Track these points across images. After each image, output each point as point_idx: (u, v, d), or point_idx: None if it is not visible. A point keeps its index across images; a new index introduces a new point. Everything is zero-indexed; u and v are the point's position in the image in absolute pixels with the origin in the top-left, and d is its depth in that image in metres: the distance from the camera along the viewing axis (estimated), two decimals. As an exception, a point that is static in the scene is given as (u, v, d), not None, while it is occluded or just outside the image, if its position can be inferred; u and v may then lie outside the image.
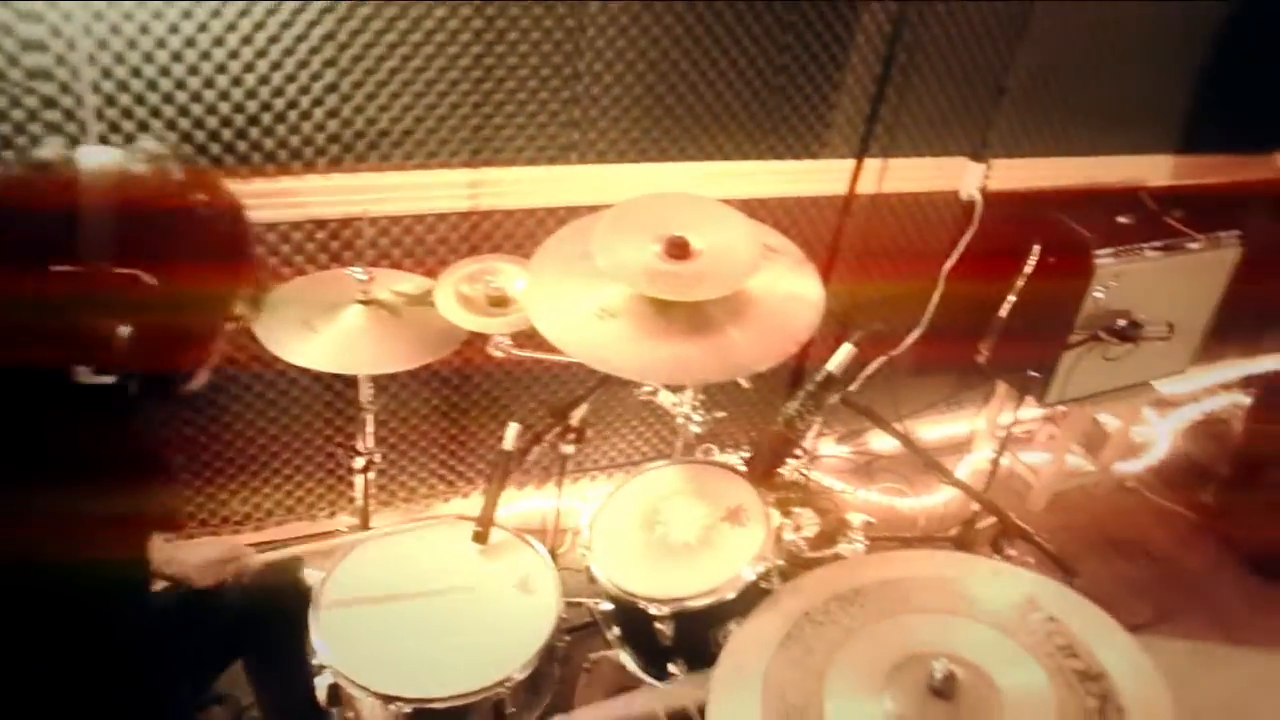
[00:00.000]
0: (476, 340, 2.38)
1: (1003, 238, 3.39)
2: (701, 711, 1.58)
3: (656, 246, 2.03)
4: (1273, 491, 3.55)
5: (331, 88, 2.46)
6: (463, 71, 2.57)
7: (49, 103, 2.22)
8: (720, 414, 2.52)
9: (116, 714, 1.69)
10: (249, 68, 2.36)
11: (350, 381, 2.54)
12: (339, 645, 1.92)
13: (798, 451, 2.32)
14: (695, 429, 2.49)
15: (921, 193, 3.41)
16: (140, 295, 1.46)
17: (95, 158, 1.48)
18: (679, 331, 2.01)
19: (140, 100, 2.29)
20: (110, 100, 2.27)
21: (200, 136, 2.39)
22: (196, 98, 2.34)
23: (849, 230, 3.28)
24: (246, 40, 2.33)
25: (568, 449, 2.49)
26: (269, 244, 2.59)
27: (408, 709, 1.85)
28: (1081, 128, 3.53)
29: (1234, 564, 3.59)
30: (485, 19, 2.51)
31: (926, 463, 2.21)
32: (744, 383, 2.28)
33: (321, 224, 2.62)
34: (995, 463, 3.26)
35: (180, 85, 2.31)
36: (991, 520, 2.20)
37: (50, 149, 1.47)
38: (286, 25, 2.34)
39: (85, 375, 1.47)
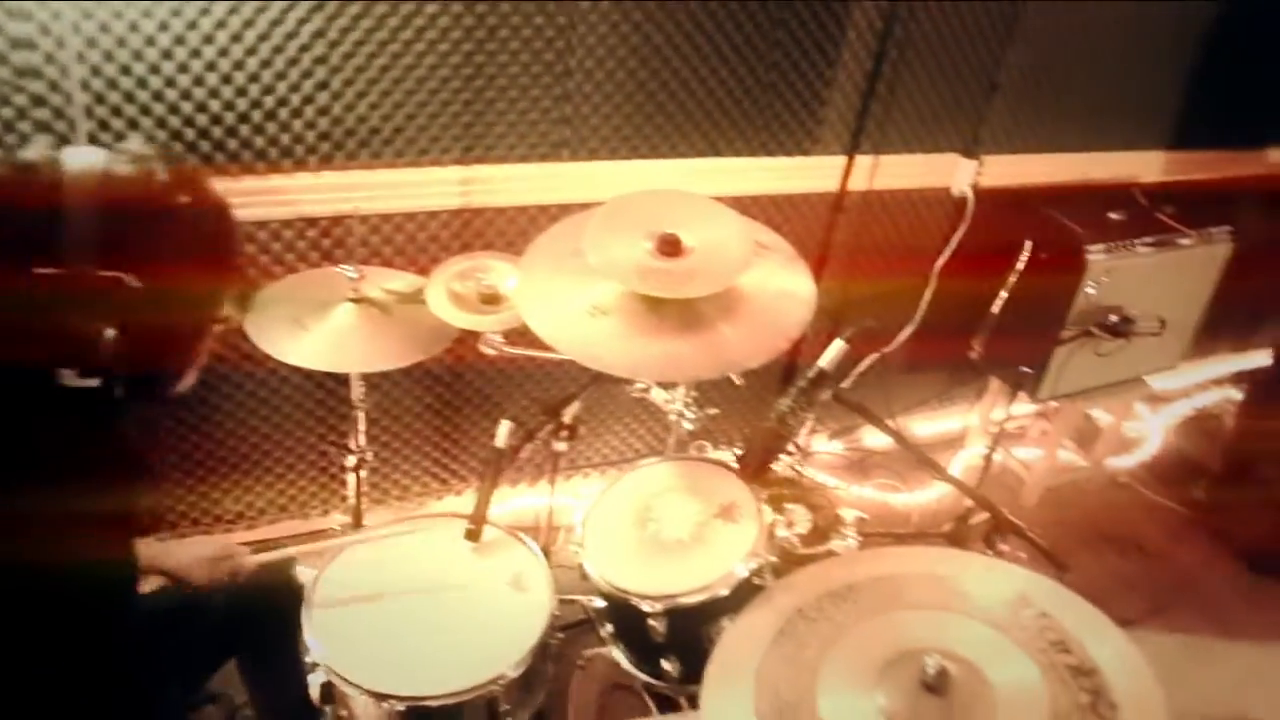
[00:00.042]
0: (468, 338, 2.38)
1: (995, 234, 3.40)
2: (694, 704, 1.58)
3: (648, 244, 2.03)
4: (1264, 486, 3.56)
5: (322, 85, 2.46)
6: (454, 68, 2.56)
7: (38, 100, 2.21)
8: (713, 411, 2.52)
9: (107, 713, 1.69)
10: (239, 65, 2.35)
11: (342, 380, 2.54)
12: (332, 643, 1.92)
13: (790, 448, 2.32)
14: (688, 426, 2.49)
15: (914, 189, 3.41)
16: (124, 297, 1.45)
17: (80, 158, 1.48)
18: (671, 328, 2.01)
19: (130, 98, 2.28)
20: (99, 98, 2.26)
21: (190, 134, 2.38)
22: (186, 95, 2.34)
23: (841, 227, 3.28)
24: (236, 37, 2.32)
25: (560, 446, 2.49)
26: (260, 242, 2.58)
27: (401, 707, 1.85)
28: (1073, 124, 3.53)
29: (1226, 559, 3.59)
30: (476, 16, 2.51)
31: (919, 459, 2.20)
32: (736, 379, 2.28)
33: (312, 222, 2.61)
34: (988, 458, 3.26)
35: (170, 82, 2.31)
36: (984, 516, 2.20)
37: (34, 149, 1.46)
38: (276, 22, 2.34)
39: (69, 378, 1.47)
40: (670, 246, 2.02)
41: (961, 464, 3.84)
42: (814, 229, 3.26)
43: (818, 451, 3.72)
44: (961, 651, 1.48)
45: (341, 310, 2.30)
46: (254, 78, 2.38)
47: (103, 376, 1.50)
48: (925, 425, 3.98)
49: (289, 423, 2.89)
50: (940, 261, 3.44)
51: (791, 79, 2.99)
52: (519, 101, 2.68)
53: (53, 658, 1.53)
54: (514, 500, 3.23)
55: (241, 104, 2.40)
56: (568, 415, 2.41)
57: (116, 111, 2.29)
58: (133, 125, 2.31)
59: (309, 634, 1.93)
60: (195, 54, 2.30)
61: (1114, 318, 3.24)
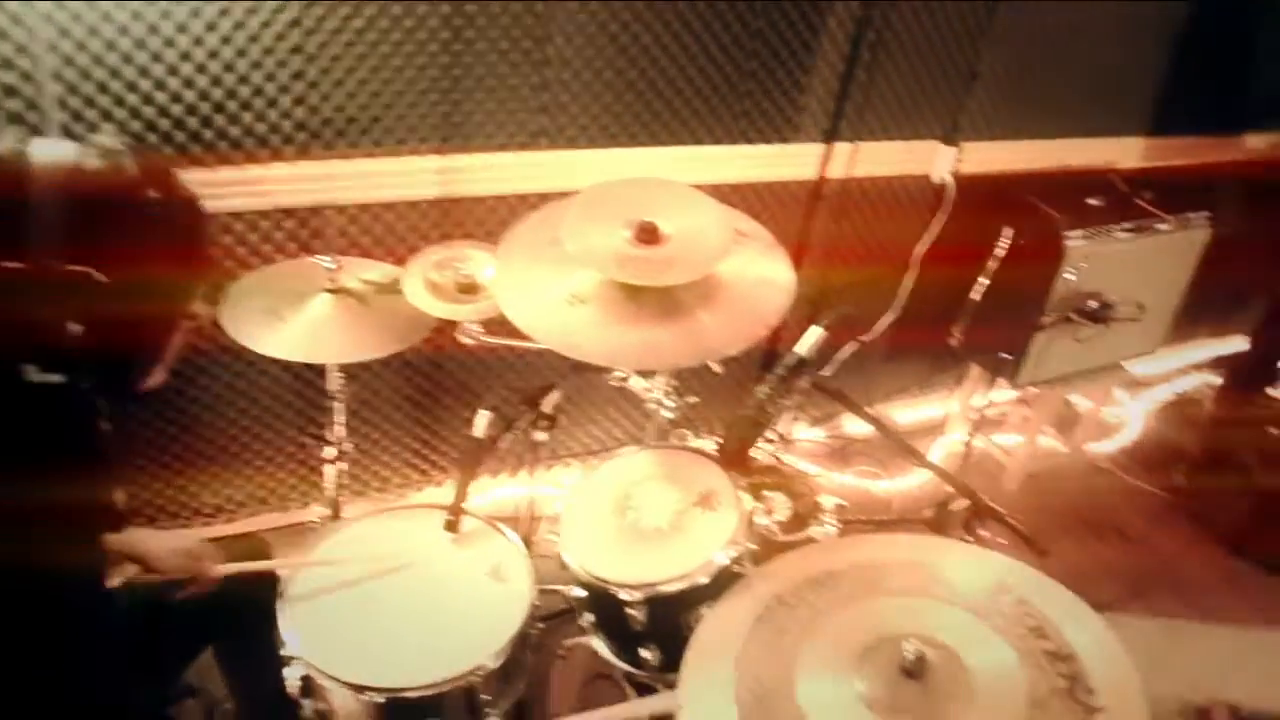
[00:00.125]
0: (447, 328, 2.37)
1: (974, 221, 3.40)
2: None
3: (626, 232, 2.02)
4: (1243, 471, 3.58)
5: (298, 74, 2.44)
6: (431, 56, 2.55)
7: (10, 91, 2.19)
8: (692, 399, 2.51)
9: (80, 703, 1.68)
10: (214, 54, 2.33)
11: (320, 371, 2.52)
12: (310, 636, 1.91)
13: (770, 435, 2.32)
14: (667, 414, 2.49)
15: (894, 176, 3.41)
16: (92, 291, 1.44)
17: (48, 151, 1.47)
18: (649, 316, 2.00)
19: (103, 88, 2.27)
20: (72, 88, 2.24)
21: (165, 124, 2.36)
22: (161, 85, 2.32)
23: (821, 214, 3.28)
24: (211, 26, 2.30)
25: (540, 436, 2.48)
26: (236, 233, 2.57)
27: (380, 699, 1.84)
28: (1052, 110, 3.54)
29: (1206, 543, 3.62)
30: (453, 3, 2.50)
31: (898, 445, 2.21)
32: (716, 367, 2.28)
33: (289, 212, 2.60)
34: (968, 445, 3.27)
35: (144, 72, 2.29)
36: (965, 502, 2.20)
37: (3, 142, 1.45)
38: (251, 11, 2.32)
39: (34, 373, 1.46)
40: (648, 234, 2.01)
41: (942, 450, 3.84)
42: (794, 217, 3.26)
43: (799, 439, 3.72)
44: (940, 637, 1.48)
45: (318, 301, 2.28)
46: (229, 67, 2.36)
47: (68, 372, 1.49)
48: (906, 412, 3.99)
49: (267, 415, 2.88)
50: (920, 248, 3.44)
51: (771, 66, 2.98)
52: (497, 90, 2.67)
53: (21, 651, 1.52)
54: (494, 490, 3.22)
55: (216, 94, 2.38)
56: (547, 405, 2.39)
57: (90, 102, 2.27)
58: (106, 116, 2.29)
59: (286, 626, 1.92)
60: (169, 43, 2.28)
61: (1093, 303, 3.25)
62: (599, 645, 2.13)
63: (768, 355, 3.08)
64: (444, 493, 3.17)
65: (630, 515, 2.12)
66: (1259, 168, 3.91)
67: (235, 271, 2.49)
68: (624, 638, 2.06)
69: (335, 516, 2.59)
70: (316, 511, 2.89)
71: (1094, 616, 1.54)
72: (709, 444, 2.39)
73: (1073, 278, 3.22)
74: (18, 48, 2.16)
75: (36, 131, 2.23)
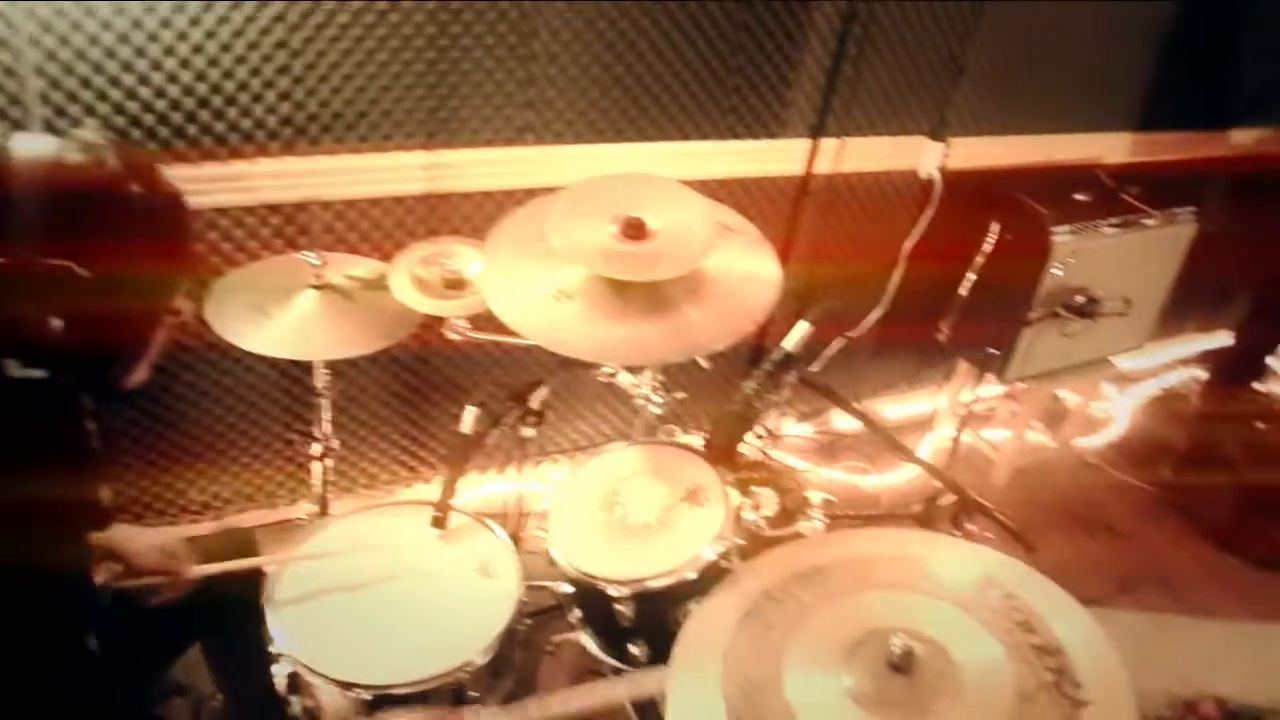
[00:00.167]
0: (434, 324, 2.36)
1: (962, 216, 3.41)
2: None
3: (612, 227, 2.02)
4: (1229, 465, 3.59)
5: (283, 69, 2.43)
6: (417, 51, 2.54)
7: (-8, 87, 2.18)
8: (680, 395, 2.51)
9: (67, 701, 1.67)
10: (198, 49, 2.32)
11: (307, 368, 2.51)
12: (297, 633, 1.90)
13: (758, 430, 2.32)
14: (655, 410, 2.48)
15: (881, 172, 3.41)
16: (73, 286, 1.43)
17: (29, 145, 1.46)
18: (636, 312, 2.00)
19: (86, 83, 2.25)
20: (55, 84, 2.22)
21: (149, 119, 2.35)
22: (145, 80, 2.30)
23: (809, 209, 3.28)
24: (194, 21, 2.29)
25: (528, 432, 2.48)
26: (222, 229, 2.55)
27: (367, 696, 1.83)
28: (1039, 106, 3.54)
29: (1194, 537, 3.63)
30: (438, -1, 2.49)
31: (885, 440, 2.21)
32: (704, 363, 2.27)
33: (275, 208, 2.59)
34: (956, 440, 3.27)
35: (127, 67, 2.27)
36: (953, 497, 2.21)
37: None
38: (235, 6, 2.30)
39: (14, 369, 1.45)
40: (634, 229, 2.01)
41: (931, 446, 3.85)
42: (782, 212, 3.26)
43: (789, 435, 3.72)
44: (927, 632, 1.48)
45: (304, 297, 2.27)
46: (213, 61, 2.35)
47: (50, 367, 1.48)
48: (895, 407, 4.00)
49: (254, 411, 2.87)
50: (908, 244, 3.44)
51: (758, 61, 2.98)
52: (483, 85, 2.66)
53: (5, 650, 1.51)
54: (484, 487, 3.22)
55: (201, 88, 2.37)
56: (535, 401, 2.39)
57: (73, 97, 2.25)
58: (90, 111, 2.28)
59: (274, 624, 1.91)
60: (153, 38, 2.27)
61: (1080, 298, 3.26)
62: (587, 641, 2.13)
63: (755, 351, 3.08)
64: (432, 489, 3.15)
65: (618, 511, 2.12)
66: (1245, 163, 3.92)
67: (221, 268, 2.49)
68: (612, 633, 2.06)
69: (323, 513, 2.58)
70: (304, 508, 2.89)
71: (1081, 611, 1.55)
72: (697, 440, 2.39)
73: (1060, 273, 3.23)
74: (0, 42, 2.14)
75: (19, 126, 2.22)
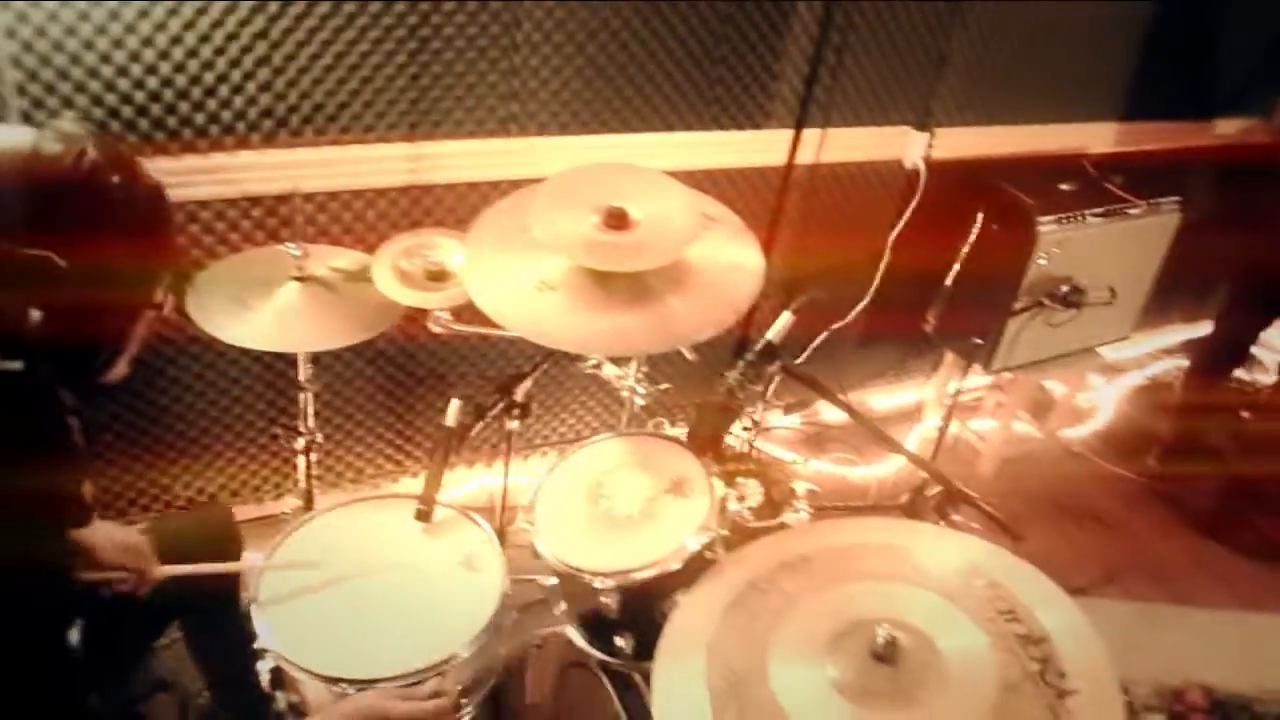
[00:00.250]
0: (418, 316, 2.35)
1: (947, 206, 3.41)
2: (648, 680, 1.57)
3: (594, 217, 2.01)
4: (1214, 454, 3.61)
5: (263, 60, 2.42)
6: (398, 42, 2.52)
7: (-33, 78, 2.16)
8: (665, 386, 2.50)
9: (49, 698, 1.66)
10: (177, 39, 2.31)
11: (291, 361, 2.50)
12: (280, 628, 1.88)
13: (743, 421, 2.32)
14: (640, 401, 2.48)
15: (866, 162, 3.41)
16: (52, 277, 1.42)
17: (5, 136, 1.44)
18: (619, 303, 1.98)
19: (64, 75, 2.23)
20: (33, 75, 2.21)
21: (128, 111, 2.33)
22: (123, 71, 2.29)
23: (794, 199, 3.28)
24: (173, 11, 2.27)
25: (513, 425, 2.47)
26: (203, 222, 2.54)
27: (351, 690, 1.82)
28: (1023, 96, 3.54)
29: (1180, 526, 3.64)
30: (420, -12, 2.48)
31: (870, 431, 2.20)
32: (688, 354, 2.26)
33: (256, 201, 2.58)
34: (943, 431, 3.27)
35: (105, 58, 2.26)
36: (939, 488, 2.21)
37: None
38: (213, -4, 2.29)
39: None
40: (617, 220, 2.00)
41: (918, 436, 3.85)
42: (767, 202, 3.25)
43: (776, 426, 3.72)
44: (912, 621, 1.48)
45: (286, 289, 2.26)
46: (192, 52, 2.34)
47: (28, 359, 1.47)
48: (882, 398, 4.00)
49: (238, 405, 2.86)
50: (894, 234, 3.44)
51: (742, 51, 2.97)
52: (466, 76, 2.65)
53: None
54: (471, 481, 3.21)
55: (180, 80, 2.36)
56: (520, 393, 2.38)
57: (50, 89, 2.23)
58: (67, 103, 2.26)
59: (257, 619, 1.90)
60: (131, 29, 2.25)
61: (1065, 288, 3.26)
62: (573, 634, 2.12)
63: (741, 341, 3.07)
64: (419, 483, 3.14)
65: (603, 503, 2.11)
66: (1229, 152, 3.92)
67: (202, 260, 2.47)
68: (598, 626, 2.04)
69: (308, 508, 2.57)
70: (289, 503, 2.87)
71: (1066, 600, 1.54)
72: (683, 431, 2.38)
73: (1045, 263, 3.23)
74: (-25, 34, 2.13)
75: (-4, 119, 2.21)
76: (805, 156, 3.22)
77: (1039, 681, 1.40)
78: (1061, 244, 3.22)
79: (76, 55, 2.22)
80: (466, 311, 2.23)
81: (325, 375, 2.82)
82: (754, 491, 2.11)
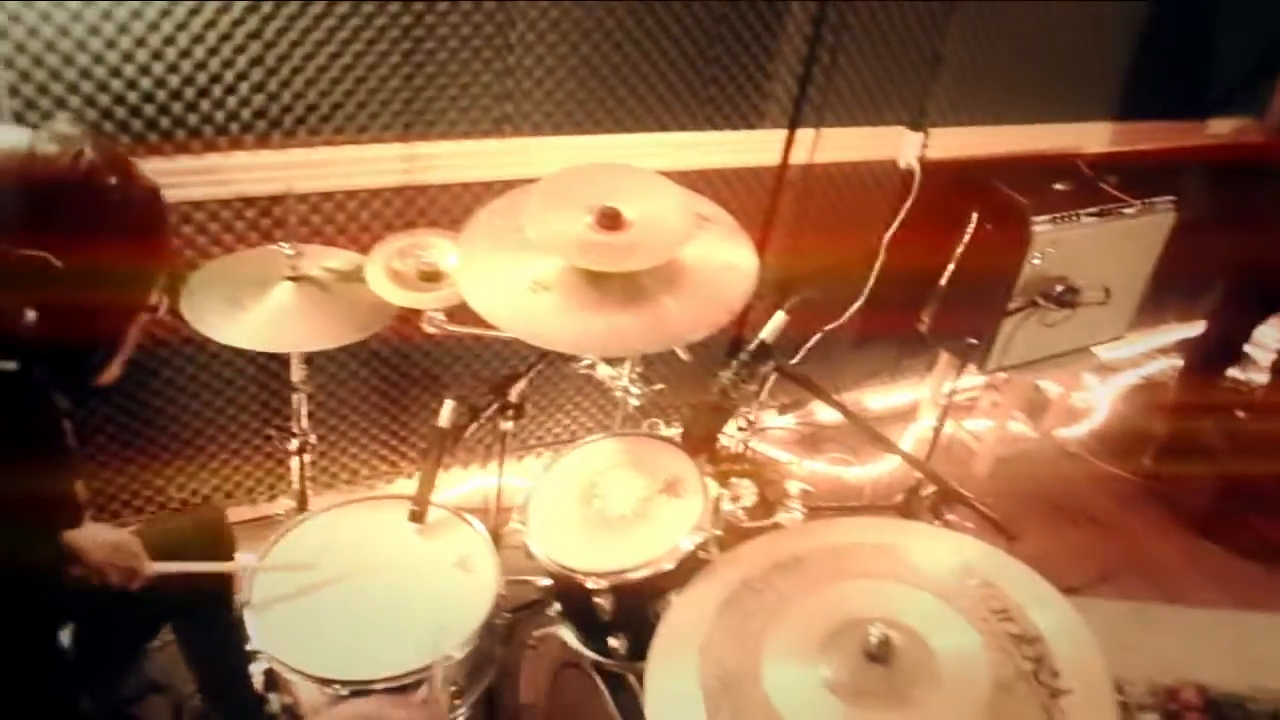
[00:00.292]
0: (413, 317, 2.35)
1: (941, 206, 3.41)
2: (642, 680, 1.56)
3: (588, 217, 2.01)
4: (1208, 453, 3.61)
5: (256, 60, 2.41)
6: (392, 43, 2.52)
7: (-40, 79, 2.16)
8: (659, 386, 2.50)
9: (42, 698, 1.66)
10: (170, 40, 2.30)
11: (285, 361, 2.49)
12: (274, 629, 1.88)
13: (739, 421, 2.31)
14: (634, 402, 2.48)
15: (860, 162, 3.41)
16: (47, 278, 1.42)
17: (2, 137, 1.45)
18: (613, 303, 1.98)
19: (56, 75, 2.23)
20: (25, 75, 2.20)
21: (121, 112, 2.33)
22: (116, 72, 2.28)
23: (789, 199, 3.28)
24: (166, 12, 2.26)
25: (507, 426, 2.46)
26: (196, 222, 2.53)
27: (345, 691, 1.82)
28: (1018, 96, 3.54)
29: (1175, 525, 3.64)
30: (414, -11, 2.47)
31: (864, 431, 2.20)
32: (683, 354, 2.26)
33: (250, 201, 2.57)
34: (938, 431, 3.27)
35: (99, 59, 2.25)
36: (934, 488, 2.21)
37: None
38: (207, -3, 2.29)
39: None
40: (610, 220, 2.00)
41: (913, 437, 3.85)
42: (761, 203, 3.25)
43: (771, 426, 3.72)
44: (905, 621, 1.48)
45: (279, 289, 2.25)
46: (186, 53, 2.33)
47: (22, 359, 1.47)
48: (877, 398, 4.00)
49: (232, 406, 2.85)
50: (889, 234, 3.44)
51: (736, 51, 2.97)
52: (460, 76, 2.64)
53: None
54: (466, 482, 3.20)
55: (174, 80, 2.35)
56: (514, 394, 2.38)
57: (43, 89, 2.23)
58: (60, 104, 2.25)
59: (250, 620, 1.89)
60: (124, 29, 2.24)
61: (1060, 288, 3.26)
62: (567, 635, 2.12)
63: (735, 342, 3.07)
64: (414, 484, 3.14)
65: (596, 503, 2.11)
66: (1223, 152, 3.92)
67: (196, 261, 2.46)
68: (592, 627, 2.05)
69: (302, 509, 2.57)
70: (283, 504, 2.87)
71: (1060, 599, 1.54)
72: (677, 431, 2.38)
73: (1039, 262, 3.23)
74: (-34, 35, 2.12)
75: (-11, 119, 2.20)
76: (799, 156, 3.22)
77: (1032, 681, 1.40)
78: (1056, 244, 3.22)
79: (70, 56, 2.21)
80: (460, 312, 2.23)
81: (319, 376, 2.82)
82: (748, 491, 2.11)
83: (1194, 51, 3.77)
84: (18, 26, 2.14)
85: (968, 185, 3.38)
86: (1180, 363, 4.28)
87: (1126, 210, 3.38)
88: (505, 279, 2.02)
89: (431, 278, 2.30)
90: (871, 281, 3.47)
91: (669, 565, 1.94)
